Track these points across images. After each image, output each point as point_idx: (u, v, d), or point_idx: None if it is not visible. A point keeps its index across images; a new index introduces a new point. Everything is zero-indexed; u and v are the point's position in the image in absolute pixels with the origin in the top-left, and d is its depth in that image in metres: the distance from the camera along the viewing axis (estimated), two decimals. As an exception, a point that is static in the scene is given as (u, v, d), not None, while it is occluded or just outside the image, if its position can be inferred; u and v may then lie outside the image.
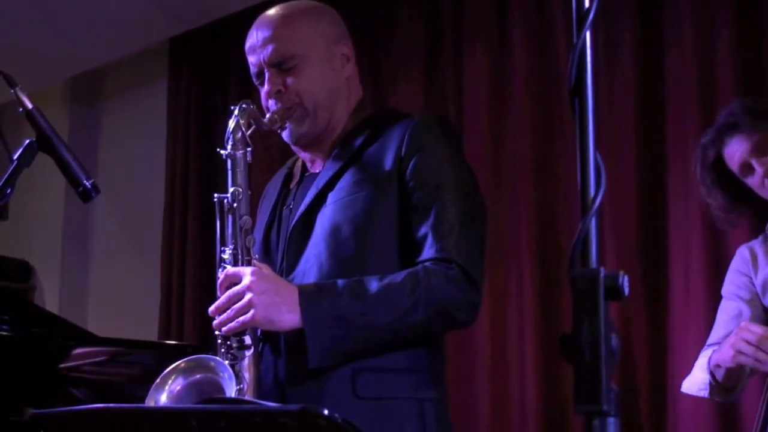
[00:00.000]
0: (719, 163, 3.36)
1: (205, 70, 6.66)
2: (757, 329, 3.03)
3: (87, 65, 7.34)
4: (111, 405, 2.04)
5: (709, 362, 3.21)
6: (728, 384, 3.20)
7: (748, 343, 3.01)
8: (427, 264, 2.54)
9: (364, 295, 2.49)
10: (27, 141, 2.56)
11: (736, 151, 3.29)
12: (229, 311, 2.50)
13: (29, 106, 2.58)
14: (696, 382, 3.32)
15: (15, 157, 2.54)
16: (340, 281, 2.52)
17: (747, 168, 3.28)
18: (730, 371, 3.13)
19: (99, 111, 7.64)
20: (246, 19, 6.16)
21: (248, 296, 2.47)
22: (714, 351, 3.22)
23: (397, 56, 5.57)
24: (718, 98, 4.25)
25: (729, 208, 3.42)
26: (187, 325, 6.35)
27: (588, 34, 1.50)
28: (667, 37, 4.53)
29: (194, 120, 6.66)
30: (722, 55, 4.31)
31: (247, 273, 2.51)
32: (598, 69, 4.11)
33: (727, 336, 3.23)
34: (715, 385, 3.22)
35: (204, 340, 5.61)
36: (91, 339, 3.91)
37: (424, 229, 2.58)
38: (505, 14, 5.15)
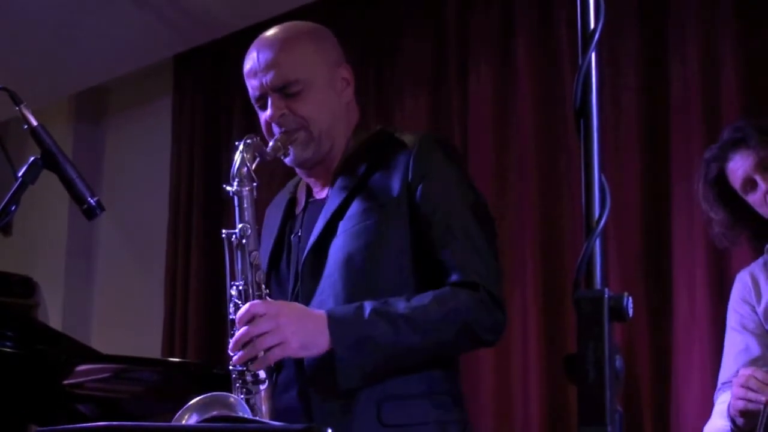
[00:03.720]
0: (721, 179, 3.35)
1: (209, 88, 6.67)
2: (746, 371, 3.06)
3: (91, 82, 7.37)
4: (115, 422, 2.04)
5: (728, 409, 3.19)
6: (749, 427, 3.18)
7: (742, 386, 3.04)
8: (454, 287, 2.55)
9: (391, 316, 2.49)
10: (32, 158, 2.56)
11: (740, 166, 3.27)
12: (255, 344, 2.47)
13: (34, 123, 2.58)
14: (716, 428, 3.30)
15: (19, 174, 2.54)
16: (367, 303, 2.52)
17: (750, 183, 3.27)
18: (744, 415, 3.12)
19: (103, 128, 7.65)
20: (250, 36, 6.14)
21: (281, 328, 2.45)
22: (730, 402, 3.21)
23: (403, 74, 5.58)
24: (723, 119, 4.24)
25: (730, 224, 3.40)
26: (191, 342, 6.34)
27: (593, 56, 1.50)
28: (672, 58, 4.53)
29: (199, 137, 6.67)
30: (726, 74, 4.31)
31: (275, 305, 2.51)
32: (603, 90, 4.12)
33: (737, 373, 3.24)
34: (736, 430, 3.21)
35: (207, 357, 5.61)
36: (94, 356, 3.91)
37: (442, 254, 2.59)
38: (510, 33, 5.16)
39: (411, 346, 2.51)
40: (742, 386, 3.04)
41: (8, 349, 3.63)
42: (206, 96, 6.68)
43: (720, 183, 3.36)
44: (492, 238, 2.68)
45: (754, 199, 3.28)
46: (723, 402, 3.24)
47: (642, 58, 4.63)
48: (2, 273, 7.35)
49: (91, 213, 2.58)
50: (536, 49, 5.02)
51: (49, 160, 2.57)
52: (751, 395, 3.01)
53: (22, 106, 2.58)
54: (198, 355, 6.11)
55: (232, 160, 2.62)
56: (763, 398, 2.99)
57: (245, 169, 2.59)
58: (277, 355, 2.48)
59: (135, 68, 7.09)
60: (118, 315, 7.16)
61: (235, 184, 2.59)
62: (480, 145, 5.08)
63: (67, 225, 7.42)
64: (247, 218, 2.59)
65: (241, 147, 2.61)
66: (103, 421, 2.05)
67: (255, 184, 2.61)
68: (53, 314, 7.41)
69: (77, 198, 2.57)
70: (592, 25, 1.52)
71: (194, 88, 6.78)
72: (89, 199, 2.57)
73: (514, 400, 4.80)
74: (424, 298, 2.53)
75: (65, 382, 3.73)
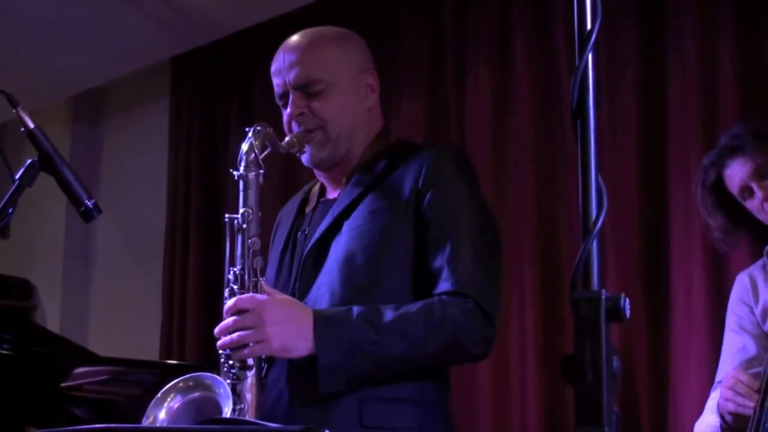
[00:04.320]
0: (719, 184, 3.36)
1: (207, 89, 6.67)
2: (735, 373, 3.09)
3: (89, 84, 7.36)
4: (112, 425, 2.04)
5: (718, 407, 3.20)
6: (738, 425, 3.20)
7: (730, 388, 3.07)
8: (444, 296, 2.54)
9: (378, 323, 2.49)
10: (29, 160, 2.55)
11: (736, 173, 3.28)
12: (238, 334, 2.48)
13: (31, 126, 2.57)
14: (708, 424, 3.31)
15: (17, 176, 2.53)
16: (355, 308, 2.51)
17: (747, 191, 3.28)
18: (733, 414, 3.14)
19: (101, 130, 7.65)
20: (248, 38, 6.22)
21: (264, 326, 2.46)
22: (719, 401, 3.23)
23: (399, 75, 5.57)
24: (721, 119, 4.25)
25: (728, 229, 3.41)
26: (189, 344, 6.35)
27: (590, 56, 1.50)
28: (670, 59, 4.53)
29: (196, 139, 6.66)
30: (725, 76, 4.31)
31: (261, 301, 2.49)
32: (600, 90, 4.12)
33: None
34: (725, 427, 3.22)
35: (205, 359, 5.60)
36: (92, 358, 3.91)
37: (439, 262, 2.58)
38: (507, 34, 5.16)
39: (395, 354, 2.50)
40: (730, 388, 3.06)
41: (6, 352, 3.63)
42: (204, 98, 6.68)
43: (718, 188, 3.36)
44: (494, 254, 2.68)
45: (751, 205, 3.29)
46: (714, 398, 3.25)
47: (639, 59, 4.62)
48: (0, 275, 7.35)
49: (88, 215, 2.58)
50: (534, 50, 5.02)
51: (47, 163, 2.57)
52: (739, 399, 3.03)
53: (19, 108, 2.58)
54: (196, 357, 6.10)
55: (240, 147, 2.63)
56: (751, 404, 3.01)
57: (253, 155, 2.60)
58: (257, 351, 2.48)
59: (133, 70, 7.09)
60: (116, 317, 7.15)
61: (242, 168, 2.60)
62: (477, 145, 5.08)
63: (64, 227, 7.41)
64: (250, 203, 2.59)
65: (250, 133, 2.62)
66: (101, 424, 2.05)
67: (261, 171, 2.61)
68: (51, 316, 7.41)
69: (74, 200, 2.57)
70: (589, 26, 1.52)
71: (192, 90, 6.78)
72: (86, 201, 2.57)
73: (512, 400, 4.80)
74: (413, 307, 2.52)
75: (63, 384, 3.73)
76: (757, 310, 3.33)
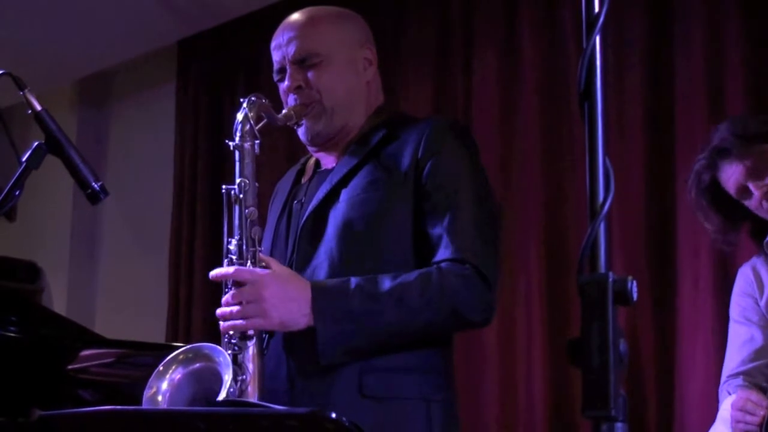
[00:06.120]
0: (714, 185, 3.37)
1: (213, 72, 6.67)
2: (743, 394, 3.14)
3: (96, 67, 7.36)
4: (118, 407, 2.05)
5: (732, 419, 3.21)
6: None
7: (740, 410, 3.13)
8: (442, 264, 2.55)
9: (376, 293, 2.49)
10: (36, 143, 2.56)
11: (731, 175, 3.31)
12: (238, 308, 2.49)
13: (38, 108, 2.58)
14: None
15: (23, 159, 2.54)
16: (353, 279, 2.52)
17: (744, 191, 3.30)
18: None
19: (107, 113, 7.65)
20: (254, 21, 6.21)
21: (262, 301, 2.47)
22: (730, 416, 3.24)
23: (406, 59, 5.57)
24: (727, 103, 4.25)
25: (726, 229, 3.43)
26: (195, 326, 6.36)
27: (598, 39, 1.50)
28: (677, 42, 4.52)
29: (202, 122, 6.67)
30: (732, 61, 4.30)
31: (260, 275, 2.51)
32: (607, 73, 4.11)
33: (743, 362, 3.32)
34: None
35: (211, 341, 5.61)
36: (98, 341, 3.91)
37: (438, 230, 2.59)
38: (514, 18, 5.15)
39: (394, 324, 2.51)
40: (740, 410, 3.10)
41: (12, 334, 3.63)
42: (210, 81, 6.68)
43: (713, 189, 3.38)
44: (493, 222, 2.68)
45: (750, 204, 3.32)
46: (726, 409, 3.27)
47: (647, 41, 4.61)
48: (7, 258, 7.34)
49: (95, 197, 2.59)
50: (541, 32, 5.02)
51: (53, 145, 2.57)
52: (748, 418, 3.07)
53: (26, 90, 2.58)
54: (202, 339, 6.10)
55: (235, 117, 2.62)
56: (757, 419, 3.05)
57: (248, 125, 2.60)
58: (255, 325, 2.49)
59: (139, 53, 7.09)
60: (122, 299, 7.16)
61: (237, 138, 2.60)
62: (484, 128, 5.07)
63: (71, 210, 7.42)
64: (246, 173, 2.59)
65: (244, 104, 2.63)
66: (107, 406, 2.06)
67: (257, 141, 2.61)
68: (57, 299, 7.40)
69: (81, 183, 2.58)
70: (596, 8, 1.52)
71: (198, 73, 6.78)
72: (93, 183, 2.57)
73: (518, 384, 4.80)
74: (411, 276, 2.53)
75: (69, 366, 3.73)
76: (762, 302, 3.35)
